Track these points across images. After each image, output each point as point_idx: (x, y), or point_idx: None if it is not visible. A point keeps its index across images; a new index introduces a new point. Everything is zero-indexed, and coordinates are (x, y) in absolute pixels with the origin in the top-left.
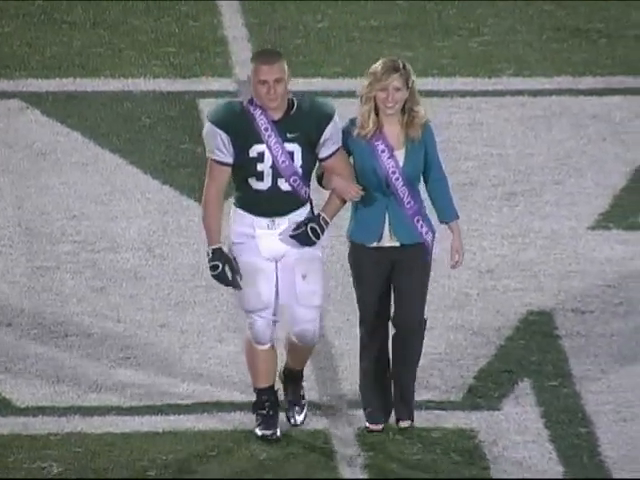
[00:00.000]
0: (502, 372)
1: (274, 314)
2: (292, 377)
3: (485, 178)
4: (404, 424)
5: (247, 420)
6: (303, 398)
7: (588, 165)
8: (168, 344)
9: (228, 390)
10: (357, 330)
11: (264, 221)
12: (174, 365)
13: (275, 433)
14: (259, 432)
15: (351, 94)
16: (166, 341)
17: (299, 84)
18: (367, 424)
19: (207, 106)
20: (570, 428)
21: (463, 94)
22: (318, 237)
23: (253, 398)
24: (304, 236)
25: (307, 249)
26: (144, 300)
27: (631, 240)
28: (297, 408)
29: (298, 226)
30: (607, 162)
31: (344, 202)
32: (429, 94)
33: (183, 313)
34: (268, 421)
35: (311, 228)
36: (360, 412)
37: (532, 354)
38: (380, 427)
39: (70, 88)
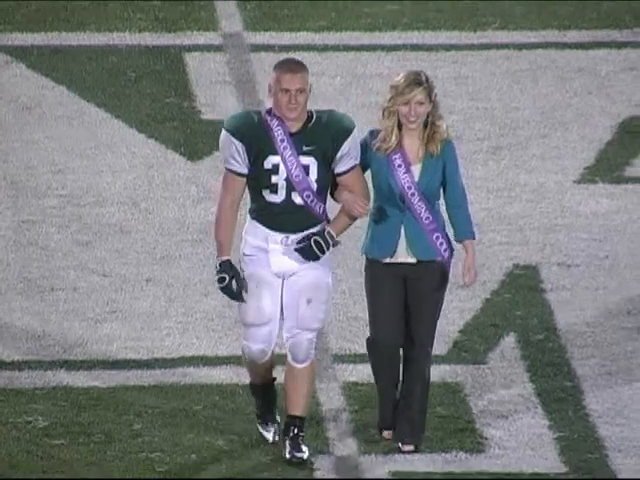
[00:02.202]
0: (488, 326)
1: (271, 334)
2: (292, 429)
3: (470, 132)
4: (406, 448)
5: (232, 374)
6: (304, 447)
7: (574, 119)
8: (154, 298)
9: (214, 344)
10: (353, 312)
11: (278, 236)
12: (160, 319)
13: (275, 433)
14: (261, 431)
15: (336, 48)
16: (152, 295)
17: (284, 37)
18: (382, 433)
19: (193, 60)
20: (555, 382)
21: (448, 48)
22: (323, 252)
23: (237, 352)
24: (308, 250)
25: (318, 273)
26: (130, 254)
27: (617, 194)
28: (298, 453)
29: (303, 239)
30: (593, 116)
31: (353, 218)
32: (414, 48)
33: (169, 267)
34: (266, 416)
35: (315, 242)
36: (346, 366)
37: (518, 308)
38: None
39: (55, 42)
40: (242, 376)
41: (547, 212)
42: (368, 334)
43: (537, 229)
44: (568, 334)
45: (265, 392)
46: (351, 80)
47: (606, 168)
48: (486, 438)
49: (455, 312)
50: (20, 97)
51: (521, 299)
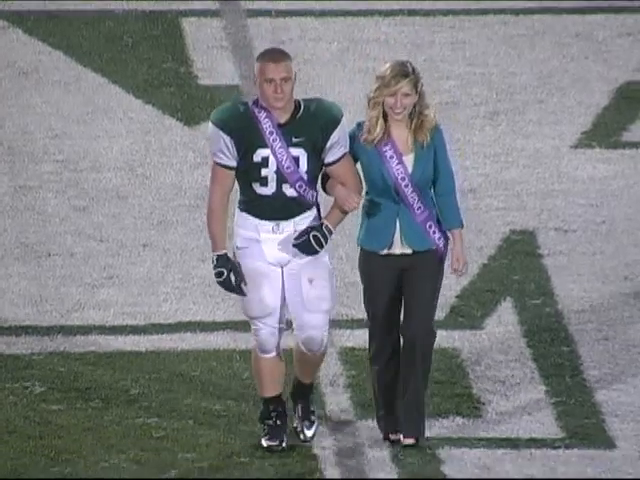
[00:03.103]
0: (485, 291)
1: (280, 322)
2: (301, 392)
3: (468, 97)
4: (408, 441)
5: (229, 339)
6: (313, 413)
7: (571, 84)
8: (151, 263)
9: (211, 309)
10: (350, 278)
11: (268, 224)
12: (157, 284)
13: (281, 444)
14: (265, 443)
15: (333, 13)
16: (149, 260)
17: (281, 3)
18: (384, 433)
19: (190, 25)
20: (552, 347)
21: (446, 13)
22: (321, 246)
23: (234, 317)
24: (307, 245)
25: (315, 256)
26: (127, 219)
27: (613, 158)
28: (307, 423)
29: (301, 234)
30: (590, 81)
31: (347, 212)
32: (412, 13)
33: (166, 232)
34: (274, 431)
35: (314, 236)
36: (343, 331)
37: (514, 273)
38: (398, 437)
39: (52, 7)
40: (239, 341)
41: (544, 177)
42: (358, 260)
43: (534, 194)
44: (565, 299)
45: (275, 408)
46: (348, 45)
47: (603, 133)
48: (483, 403)
49: (452, 277)
50: (17, 62)
51: (518, 264)
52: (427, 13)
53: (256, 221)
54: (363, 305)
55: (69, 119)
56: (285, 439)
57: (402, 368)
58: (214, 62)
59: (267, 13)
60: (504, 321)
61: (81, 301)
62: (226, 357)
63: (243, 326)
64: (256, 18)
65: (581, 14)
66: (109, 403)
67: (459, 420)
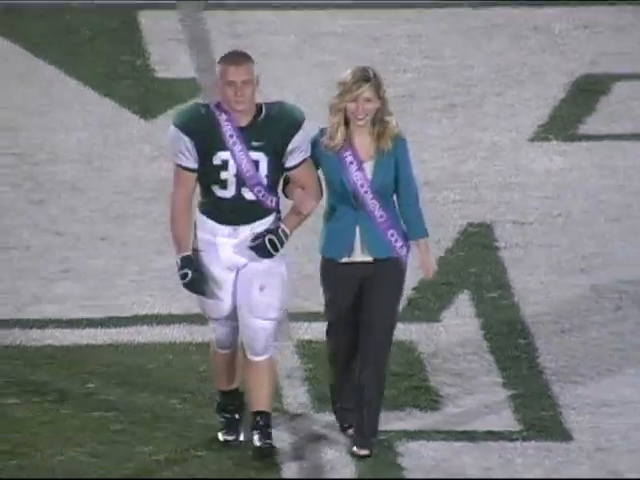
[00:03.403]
0: (442, 284)
1: (235, 320)
2: (258, 425)
3: (425, 90)
4: (363, 452)
5: (186, 333)
6: (270, 440)
7: (528, 77)
8: (108, 256)
9: (168, 303)
10: (307, 270)
11: (226, 229)
12: (114, 278)
13: (237, 439)
14: (221, 437)
15: (290, 6)
16: (106, 254)
17: None
18: (345, 429)
19: (147, 18)
20: (509, 339)
21: (402, 5)
22: (276, 249)
23: (191, 310)
24: (262, 248)
25: (270, 262)
26: (84, 212)
27: (570, 151)
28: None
29: (257, 237)
30: (547, 73)
31: (305, 215)
32: (369, 6)
33: (123, 226)
34: (231, 425)
35: (269, 240)
36: (300, 324)
37: (472, 266)
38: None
39: (9, 0)
40: (196, 334)
41: (501, 170)
42: (322, 295)
43: (491, 187)
44: (522, 292)
45: (232, 402)
46: (305, 38)
47: (560, 126)
48: (440, 396)
49: (409, 270)
50: None
51: (475, 257)
52: (384, 6)
53: (214, 224)
54: (324, 311)
55: (26, 111)
56: (242, 433)
57: (359, 377)
58: (171, 55)
59: (224, 6)
60: (461, 314)
61: (38, 295)
62: (183, 350)
63: (200, 319)
64: (213, 11)
65: (538, 7)
66: (66, 396)
67: (416, 413)
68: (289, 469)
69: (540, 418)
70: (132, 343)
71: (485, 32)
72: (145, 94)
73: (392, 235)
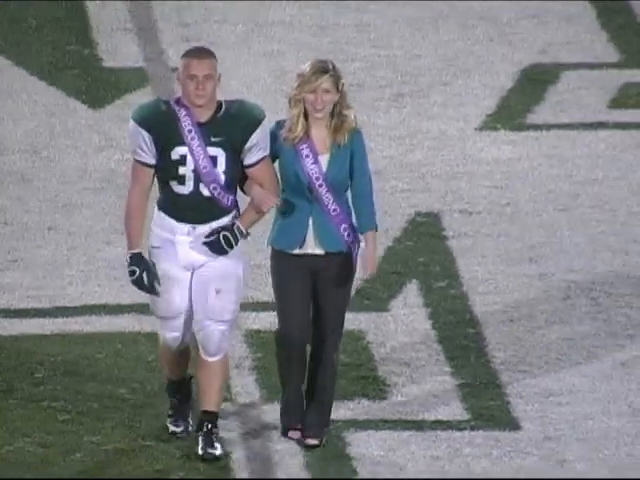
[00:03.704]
0: (390, 273)
1: (186, 327)
2: (205, 423)
3: (372, 79)
4: (312, 442)
5: (135, 322)
6: (217, 441)
7: (475, 66)
8: (56, 246)
9: (116, 292)
10: (256, 260)
11: (185, 227)
12: (62, 268)
13: (186, 430)
14: (170, 427)
15: None
16: (54, 243)
17: None
18: (286, 432)
19: (93, 7)
20: (458, 329)
21: None
22: (231, 246)
23: (140, 300)
24: (216, 244)
25: (227, 264)
26: (31, 202)
27: (518, 141)
28: (209, 449)
29: (211, 233)
30: (494, 63)
31: (262, 213)
32: None
33: (70, 215)
34: (179, 415)
35: (224, 236)
36: (248, 314)
37: (420, 255)
38: (297, 435)
39: None
40: (144, 324)
41: (449, 159)
42: (269, 261)
43: (439, 176)
44: (470, 281)
45: (180, 389)
46: (253, 27)
47: (508, 115)
48: (388, 385)
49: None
50: None
51: (423, 246)
52: None
53: (173, 222)
54: (275, 310)
55: None
56: (190, 424)
57: (312, 372)
58: (118, 44)
59: None
60: (409, 303)
61: None
62: (131, 340)
63: (148, 309)
64: (161, 0)
65: None
66: (14, 386)
67: (364, 402)
68: (237, 458)
69: (488, 407)
70: (80, 333)
71: (433, 21)
72: (92, 84)
73: (344, 230)
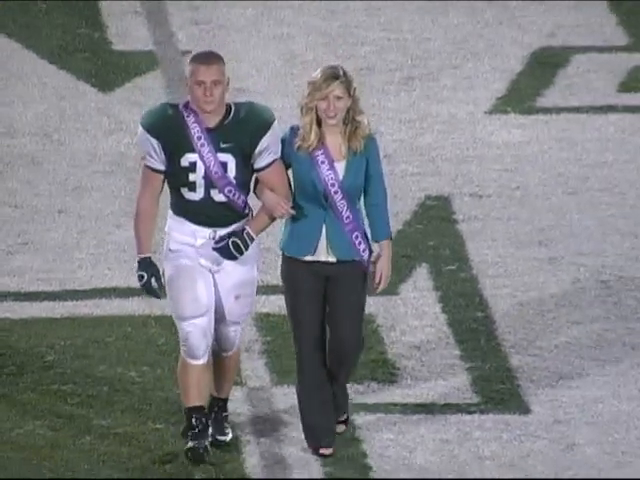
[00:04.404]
0: (400, 257)
1: (210, 326)
2: (216, 408)
3: (382, 63)
4: (325, 452)
5: (145, 305)
6: (227, 427)
7: (485, 49)
8: (66, 229)
9: (126, 275)
10: (265, 243)
11: (206, 231)
12: (72, 251)
13: (202, 445)
14: (188, 444)
15: None
16: (64, 226)
17: None
18: (314, 447)
19: None
20: (467, 312)
21: None
22: (241, 252)
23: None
24: (226, 250)
25: (245, 271)
26: (41, 185)
27: (528, 124)
28: (219, 435)
29: (221, 239)
30: (504, 46)
31: (273, 218)
32: None
33: (80, 198)
34: (197, 436)
35: (233, 242)
36: (258, 297)
37: (430, 238)
38: (330, 450)
39: None
40: (154, 307)
41: (459, 143)
42: (279, 267)
43: (449, 160)
44: (480, 265)
45: (199, 421)
46: (262, 10)
47: (517, 99)
48: (398, 369)
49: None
50: None
51: (433, 230)
52: None
53: (194, 227)
54: (287, 319)
55: None
56: (207, 441)
57: (328, 373)
58: (128, 27)
59: None
60: (419, 287)
61: None
62: (141, 323)
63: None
64: None
65: None
66: (24, 369)
67: (374, 386)
68: (247, 440)
69: (498, 391)
70: (90, 316)
71: (442, 5)
72: (102, 67)
73: (357, 237)
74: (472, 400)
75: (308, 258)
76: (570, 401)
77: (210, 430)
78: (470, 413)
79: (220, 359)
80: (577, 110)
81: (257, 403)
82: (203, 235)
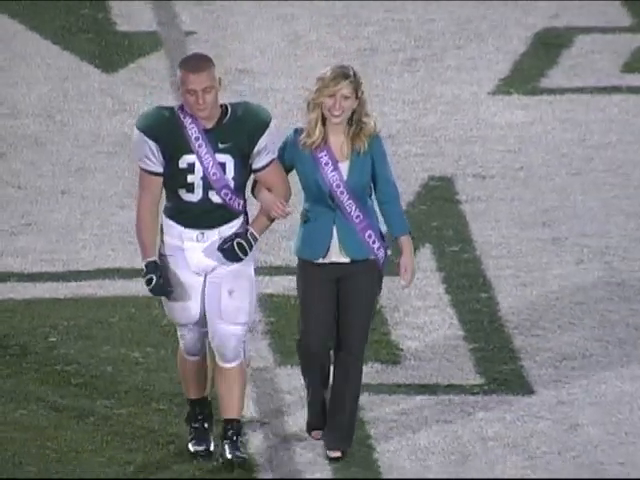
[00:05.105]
0: None
1: (204, 326)
2: (229, 433)
3: (386, 44)
4: (333, 454)
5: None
6: (242, 446)
7: (489, 30)
8: (69, 210)
9: (130, 256)
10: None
11: (193, 233)
12: (75, 232)
13: (208, 449)
14: (191, 448)
15: None
16: (67, 207)
17: None
18: (311, 434)
19: None
20: (470, 293)
21: None
22: (245, 253)
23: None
24: (230, 251)
25: (238, 265)
26: (45, 166)
27: (531, 105)
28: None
29: (225, 241)
30: (508, 27)
31: (272, 219)
32: None
33: (84, 179)
34: (200, 436)
35: (237, 244)
36: (262, 278)
37: (433, 219)
38: (339, 453)
39: None
40: None
41: (462, 124)
42: (296, 272)
43: (452, 140)
44: (483, 245)
45: (201, 412)
46: None
47: (521, 79)
48: (402, 349)
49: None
50: None
51: (436, 211)
52: None
53: (181, 229)
54: (298, 320)
55: None
56: (211, 442)
57: (335, 381)
58: (132, 8)
59: None
60: (423, 267)
61: None
62: (145, 304)
63: None
64: None
65: None
66: (27, 350)
67: (378, 366)
68: (251, 426)
69: (501, 372)
70: (94, 297)
71: None
72: (106, 48)
73: (369, 236)
74: (475, 381)
75: (321, 260)
76: (573, 382)
77: (226, 449)
78: (473, 394)
79: (223, 374)
80: (581, 91)
81: (260, 383)
82: (190, 237)
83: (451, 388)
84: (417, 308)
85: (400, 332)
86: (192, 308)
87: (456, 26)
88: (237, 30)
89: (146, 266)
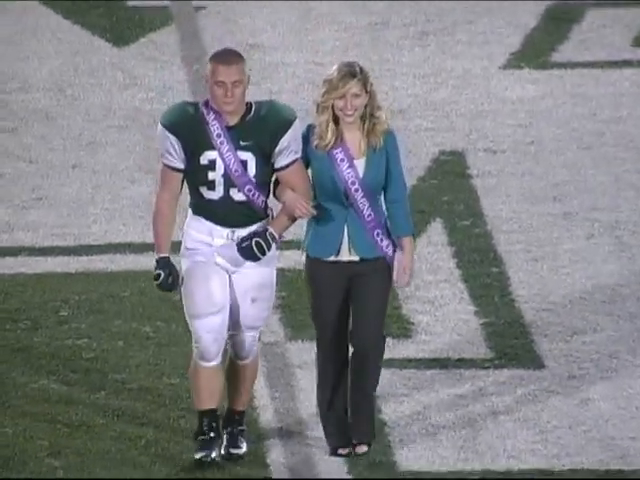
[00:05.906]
0: (414, 212)
1: (223, 327)
2: (232, 421)
3: (397, 18)
4: (361, 450)
5: None
6: (242, 441)
7: (500, 4)
8: (80, 184)
9: (141, 231)
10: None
11: (224, 231)
12: (86, 206)
13: (210, 455)
14: (197, 456)
15: None
16: (78, 182)
17: None
18: (333, 447)
19: None
20: (481, 267)
21: None
22: (263, 253)
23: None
24: (248, 250)
25: (264, 273)
26: (56, 140)
27: (542, 79)
28: (233, 448)
29: (243, 239)
30: (519, 1)
31: (294, 219)
32: None
33: (95, 153)
34: (206, 444)
35: (256, 243)
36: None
37: (444, 194)
38: (347, 450)
39: None
40: None
41: (473, 98)
42: (304, 267)
43: (463, 115)
44: (494, 220)
45: (209, 426)
46: None
47: (532, 54)
48: (413, 323)
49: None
50: None
51: (447, 185)
52: None
53: (211, 225)
54: (310, 316)
55: None
56: (216, 451)
57: (352, 376)
58: None
59: None
60: (433, 242)
61: (10, 222)
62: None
63: (174, 246)
64: None
65: None
66: (38, 324)
67: (388, 341)
68: (261, 396)
69: (512, 346)
70: (105, 271)
71: None
72: (117, 22)
73: (378, 235)
74: (486, 355)
75: (332, 258)
76: (584, 356)
77: (224, 442)
78: (484, 368)
79: (236, 367)
80: (592, 65)
81: (271, 358)
82: (220, 234)
83: (462, 362)
84: (428, 282)
85: (411, 306)
86: (217, 295)
87: (467, 0)
88: (247, 4)
89: (157, 261)
